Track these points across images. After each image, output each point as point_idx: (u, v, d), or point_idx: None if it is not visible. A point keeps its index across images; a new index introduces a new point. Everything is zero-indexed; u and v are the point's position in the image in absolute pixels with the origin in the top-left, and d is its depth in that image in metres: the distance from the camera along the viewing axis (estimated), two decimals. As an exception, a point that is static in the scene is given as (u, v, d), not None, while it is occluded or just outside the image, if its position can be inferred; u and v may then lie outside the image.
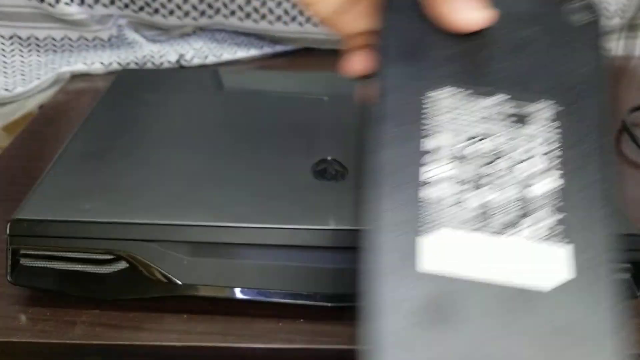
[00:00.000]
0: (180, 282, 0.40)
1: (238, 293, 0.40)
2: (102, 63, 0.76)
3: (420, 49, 0.29)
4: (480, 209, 0.26)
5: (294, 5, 0.81)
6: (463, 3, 0.29)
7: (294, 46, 0.86)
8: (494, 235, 0.26)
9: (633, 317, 0.42)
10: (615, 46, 0.92)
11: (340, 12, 0.35)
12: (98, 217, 0.39)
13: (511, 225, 0.26)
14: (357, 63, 0.35)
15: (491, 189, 0.27)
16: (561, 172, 0.27)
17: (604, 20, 0.31)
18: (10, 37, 0.76)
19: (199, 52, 0.80)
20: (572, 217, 0.27)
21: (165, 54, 0.79)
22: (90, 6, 0.77)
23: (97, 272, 0.41)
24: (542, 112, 0.28)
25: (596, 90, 0.29)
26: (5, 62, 0.76)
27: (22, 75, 0.75)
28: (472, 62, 0.29)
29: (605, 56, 0.30)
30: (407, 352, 0.24)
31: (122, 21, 0.80)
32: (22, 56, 0.77)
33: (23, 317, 0.40)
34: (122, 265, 0.41)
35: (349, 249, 0.40)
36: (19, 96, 0.73)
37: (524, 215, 0.26)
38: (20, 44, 0.77)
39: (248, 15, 0.81)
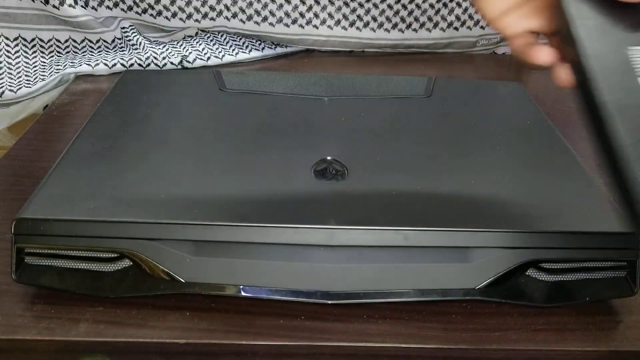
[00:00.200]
0: (183, 280, 0.41)
1: (240, 291, 0.41)
2: (106, 64, 0.76)
3: (608, 20, 0.34)
4: None
5: (294, 8, 0.82)
6: None
7: (294, 48, 0.86)
8: None
9: (631, 314, 0.42)
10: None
11: (506, 13, 0.40)
12: (102, 216, 0.40)
13: None
14: (545, 55, 0.40)
15: None
16: None
17: None
18: (15, 39, 0.77)
19: (201, 53, 0.81)
20: None
21: (168, 55, 0.79)
22: (94, 8, 0.77)
23: (100, 270, 0.41)
24: None
25: None
26: (10, 64, 0.76)
27: (27, 76, 0.76)
28: None
29: None
30: None
31: (126, 23, 0.81)
32: (26, 58, 0.78)
33: (28, 315, 0.40)
34: (126, 263, 0.41)
35: (349, 248, 0.41)
36: (23, 97, 0.74)
37: None
38: (25, 45, 0.78)
39: (250, 18, 0.82)
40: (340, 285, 0.41)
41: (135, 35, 0.80)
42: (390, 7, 0.84)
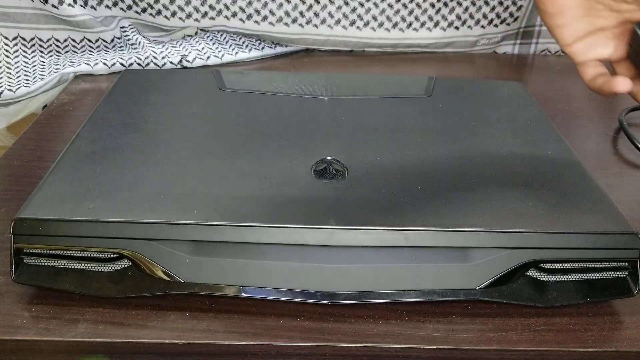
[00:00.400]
0: (182, 280, 0.41)
1: (239, 291, 0.41)
2: (105, 64, 0.76)
3: None
4: None
5: (294, 7, 0.82)
6: None
7: (294, 47, 0.86)
8: None
9: (632, 314, 0.42)
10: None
11: (580, 39, 0.45)
12: (101, 216, 0.40)
13: None
14: (625, 85, 0.45)
15: None
16: None
17: None
18: (14, 38, 0.77)
19: (200, 53, 0.81)
20: None
21: (167, 54, 0.79)
22: (93, 8, 0.77)
23: (100, 270, 0.41)
24: None
25: None
26: (9, 63, 0.76)
27: (26, 76, 0.76)
28: None
29: None
30: None
31: (125, 22, 0.81)
32: (25, 57, 0.78)
33: (27, 315, 0.40)
34: (125, 263, 0.41)
35: (349, 248, 0.41)
36: (23, 97, 0.74)
37: None
38: (24, 45, 0.77)
39: (250, 17, 0.82)
40: (341, 285, 0.41)
41: (134, 35, 0.80)
42: (390, 6, 0.84)
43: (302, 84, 0.61)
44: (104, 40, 0.79)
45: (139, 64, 0.78)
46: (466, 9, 0.85)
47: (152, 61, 0.79)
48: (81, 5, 0.76)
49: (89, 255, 0.41)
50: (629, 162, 0.62)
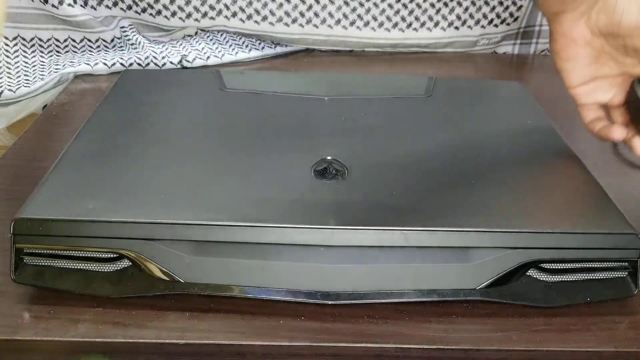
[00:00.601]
0: (182, 280, 0.41)
1: (239, 291, 0.41)
2: (105, 64, 0.76)
3: None
4: None
5: (294, 7, 0.82)
6: None
7: (294, 47, 0.86)
8: None
9: (632, 314, 0.42)
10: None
11: (584, 83, 0.50)
12: (101, 216, 0.40)
13: None
14: (620, 133, 0.50)
15: None
16: None
17: None
18: (14, 38, 0.77)
19: (200, 53, 0.81)
20: None
21: (167, 54, 0.79)
22: (93, 8, 0.77)
23: (100, 270, 0.41)
24: None
25: None
26: (9, 63, 0.76)
27: (26, 76, 0.76)
28: None
29: None
30: None
31: (125, 22, 0.81)
32: (25, 57, 0.78)
33: (27, 315, 0.40)
34: (125, 263, 0.41)
35: (349, 248, 0.41)
36: (23, 97, 0.74)
37: None
38: (24, 45, 0.77)
39: (250, 17, 0.82)
40: (341, 285, 0.41)
41: (134, 35, 0.80)
42: (390, 6, 0.84)
43: (302, 84, 0.61)
44: (104, 40, 0.79)
45: (139, 64, 0.78)
46: (466, 9, 0.85)
47: (152, 61, 0.79)
48: (81, 5, 0.76)
49: (89, 255, 0.41)
50: (629, 162, 0.62)
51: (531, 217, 0.42)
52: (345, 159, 0.47)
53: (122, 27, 0.80)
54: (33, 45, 0.78)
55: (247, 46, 0.84)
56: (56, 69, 0.76)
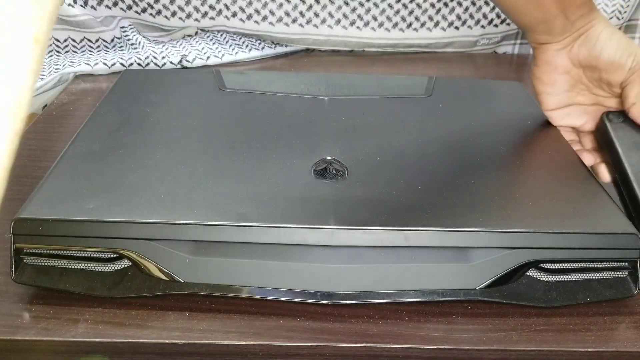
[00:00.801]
0: (182, 280, 0.41)
1: (239, 291, 0.41)
2: (105, 64, 0.76)
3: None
4: None
5: (294, 7, 0.82)
6: None
7: (294, 47, 0.86)
8: None
9: (632, 314, 0.42)
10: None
11: (558, 108, 0.55)
12: (101, 216, 0.40)
13: None
14: (589, 160, 0.53)
15: None
16: None
17: None
18: (14, 39, 0.77)
19: (200, 53, 0.81)
20: None
21: (167, 54, 0.79)
22: (93, 8, 0.77)
23: (99, 270, 0.41)
24: None
25: None
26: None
27: (26, 76, 0.76)
28: None
29: None
30: None
31: (125, 22, 0.81)
32: (25, 57, 0.78)
33: (26, 315, 0.40)
34: (125, 263, 0.41)
35: (349, 248, 0.41)
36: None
37: None
38: (23, 45, 0.77)
39: (250, 17, 0.82)
40: (341, 285, 0.41)
41: (134, 35, 0.80)
42: (390, 6, 0.84)
43: (302, 84, 0.61)
44: (104, 40, 0.79)
45: (139, 64, 0.78)
46: (466, 9, 0.85)
47: (152, 61, 0.79)
48: (81, 5, 0.76)
49: (89, 255, 0.41)
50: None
51: (531, 217, 0.42)
52: (345, 159, 0.47)
53: (122, 27, 0.80)
54: (33, 45, 0.78)
55: (247, 46, 0.84)
56: (56, 69, 0.76)
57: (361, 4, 0.83)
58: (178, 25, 0.82)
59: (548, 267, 0.42)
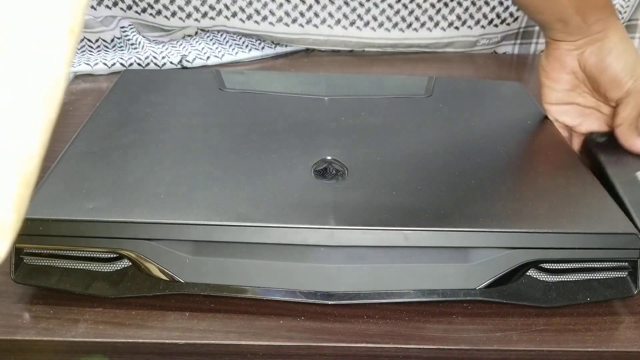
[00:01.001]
0: (182, 280, 0.41)
1: (239, 291, 0.41)
2: (105, 64, 0.76)
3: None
4: None
5: (294, 7, 0.82)
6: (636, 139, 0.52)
7: (294, 47, 0.86)
8: None
9: (632, 314, 0.42)
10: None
11: (555, 104, 0.56)
12: (101, 216, 0.40)
13: None
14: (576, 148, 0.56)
15: None
16: None
17: None
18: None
19: (200, 53, 0.81)
20: None
21: (167, 54, 0.79)
22: (93, 7, 0.77)
23: (100, 270, 0.41)
24: None
25: None
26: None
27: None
28: None
29: None
30: None
31: (125, 22, 0.81)
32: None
33: (26, 315, 0.40)
34: (125, 263, 0.41)
35: (349, 248, 0.41)
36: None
37: None
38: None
39: (250, 17, 0.82)
40: (341, 285, 0.41)
41: (134, 35, 0.80)
42: (390, 6, 0.84)
43: (302, 84, 0.61)
44: (104, 40, 0.79)
45: (139, 64, 0.78)
46: (466, 9, 0.85)
47: (152, 61, 0.79)
48: (81, 5, 0.75)
49: (89, 255, 0.41)
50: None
51: (531, 217, 0.42)
52: (345, 159, 0.47)
53: (122, 27, 0.80)
54: (33, 45, 0.78)
55: (247, 46, 0.84)
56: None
57: (361, 4, 0.83)
58: (178, 25, 0.82)
59: (548, 267, 0.42)
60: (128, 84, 0.61)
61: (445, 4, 0.84)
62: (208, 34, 0.84)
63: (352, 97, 0.59)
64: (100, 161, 0.46)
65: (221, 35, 0.84)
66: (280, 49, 0.86)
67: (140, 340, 0.39)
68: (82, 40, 0.78)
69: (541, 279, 0.42)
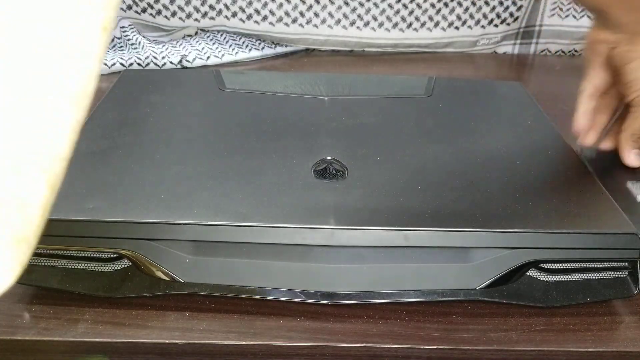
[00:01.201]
0: (182, 280, 0.41)
1: (239, 291, 0.41)
2: (105, 64, 0.76)
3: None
4: None
5: (294, 7, 0.82)
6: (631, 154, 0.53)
7: (294, 47, 0.86)
8: None
9: (632, 314, 0.42)
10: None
11: (591, 101, 0.55)
12: (101, 216, 0.40)
13: None
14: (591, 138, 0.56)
15: None
16: None
17: None
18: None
19: (200, 53, 0.81)
20: None
21: (167, 54, 0.79)
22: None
23: (99, 270, 0.41)
24: None
25: None
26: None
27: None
28: None
29: None
30: None
31: (125, 22, 0.81)
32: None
33: (27, 315, 0.40)
34: (125, 263, 0.41)
35: (349, 248, 0.41)
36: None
37: None
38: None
39: (250, 17, 0.82)
40: (341, 285, 0.41)
41: (134, 35, 0.80)
42: (390, 6, 0.84)
43: (302, 84, 0.61)
44: (104, 40, 0.79)
45: (139, 64, 0.78)
46: (466, 9, 0.85)
47: (152, 61, 0.79)
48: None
49: (89, 255, 0.41)
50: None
51: (531, 217, 0.42)
52: (345, 159, 0.47)
53: (122, 27, 0.80)
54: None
55: (247, 46, 0.84)
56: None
57: (361, 4, 0.83)
58: (178, 25, 0.82)
59: (548, 267, 0.42)
60: (128, 84, 0.61)
61: (445, 4, 0.84)
62: (208, 34, 0.84)
63: (352, 97, 0.59)
64: (100, 161, 0.46)
65: (221, 35, 0.84)
66: (280, 49, 0.86)
67: (140, 340, 0.39)
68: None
69: (541, 279, 0.42)
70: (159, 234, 0.40)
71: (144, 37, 0.81)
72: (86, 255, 0.41)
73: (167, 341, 0.38)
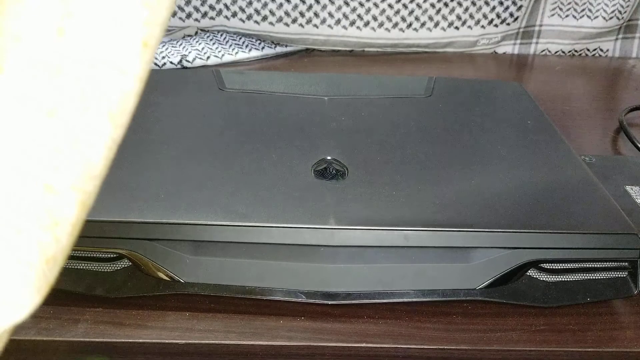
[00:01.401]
0: (182, 280, 0.41)
1: (239, 291, 0.41)
2: (105, 64, 0.76)
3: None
4: None
5: (294, 7, 0.82)
6: None
7: (294, 47, 0.86)
8: None
9: (632, 314, 0.42)
10: (612, 47, 0.92)
11: None
12: (101, 216, 0.40)
13: None
14: None
15: None
16: None
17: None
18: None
19: (200, 53, 0.81)
20: None
21: (167, 54, 0.79)
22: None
23: (100, 270, 0.41)
24: None
25: None
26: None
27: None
28: None
29: None
30: None
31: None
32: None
33: (27, 315, 0.40)
34: (125, 263, 0.41)
35: (349, 248, 0.41)
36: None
37: None
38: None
39: (250, 17, 0.82)
40: (341, 285, 0.41)
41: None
42: (390, 6, 0.84)
43: (302, 84, 0.61)
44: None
45: (139, 64, 0.78)
46: (466, 9, 0.85)
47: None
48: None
49: (89, 255, 0.41)
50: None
51: (531, 217, 0.42)
52: (345, 159, 0.47)
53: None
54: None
55: (247, 46, 0.84)
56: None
57: (361, 4, 0.83)
58: (178, 25, 0.82)
59: (548, 267, 0.42)
60: (128, 84, 0.60)
61: (445, 4, 0.84)
62: (208, 34, 0.84)
63: (352, 97, 0.59)
64: (100, 161, 0.46)
65: (221, 35, 0.84)
66: (280, 49, 0.86)
67: (140, 340, 0.39)
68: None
69: (541, 278, 0.42)
70: (159, 234, 0.40)
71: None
72: (86, 255, 0.41)
73: (167, 341, 0.38)
